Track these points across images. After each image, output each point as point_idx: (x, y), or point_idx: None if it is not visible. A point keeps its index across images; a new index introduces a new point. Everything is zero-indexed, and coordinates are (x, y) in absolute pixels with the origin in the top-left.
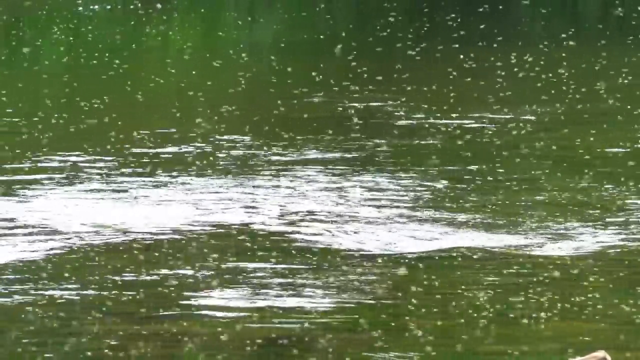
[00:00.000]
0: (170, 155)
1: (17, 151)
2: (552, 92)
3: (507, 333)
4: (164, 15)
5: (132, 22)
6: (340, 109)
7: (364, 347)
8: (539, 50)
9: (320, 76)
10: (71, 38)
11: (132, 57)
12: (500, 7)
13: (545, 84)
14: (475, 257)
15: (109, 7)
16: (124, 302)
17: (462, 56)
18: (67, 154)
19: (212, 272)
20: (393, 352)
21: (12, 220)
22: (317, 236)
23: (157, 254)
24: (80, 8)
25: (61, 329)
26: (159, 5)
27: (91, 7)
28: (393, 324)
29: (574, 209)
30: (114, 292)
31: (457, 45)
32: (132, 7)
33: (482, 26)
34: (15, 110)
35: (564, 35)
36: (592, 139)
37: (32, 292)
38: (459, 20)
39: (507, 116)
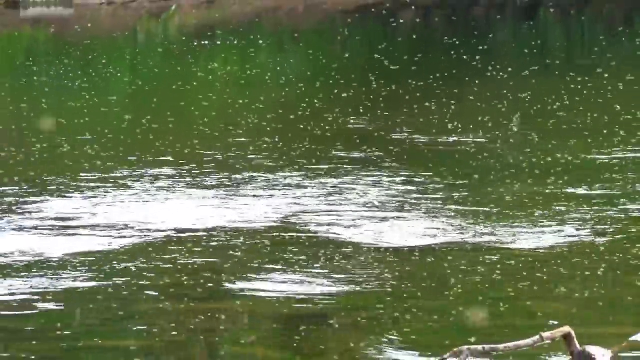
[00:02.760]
0: (223, 164)
1: (94, 161)
2: (525, 112)
3: (491, 311)
4: (211, 51)
5: (188, 56)
6: (363, 127)
7: (374, 321)
8: (517, 79)
9: (344, 100)
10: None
11: (186, 85)
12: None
13: (519, 107)
14: (466, 249)
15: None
16: (181, 285)
17: (458, 86)
18: (137, 163)
19: (255, 261)
20: (397, 326)
21: (92, 217)
22: (340, 232)
23: (211, 246)
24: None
25: (126, 307)
26: (206, 42)
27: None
28: (398, 303)
29: (551, 208)
30: (173, 276)
31: (454, 76)
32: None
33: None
34: (90, 125)
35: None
36: (568, 148)
37: (102, 277)
38: (454, 55)
39: (496, 132)
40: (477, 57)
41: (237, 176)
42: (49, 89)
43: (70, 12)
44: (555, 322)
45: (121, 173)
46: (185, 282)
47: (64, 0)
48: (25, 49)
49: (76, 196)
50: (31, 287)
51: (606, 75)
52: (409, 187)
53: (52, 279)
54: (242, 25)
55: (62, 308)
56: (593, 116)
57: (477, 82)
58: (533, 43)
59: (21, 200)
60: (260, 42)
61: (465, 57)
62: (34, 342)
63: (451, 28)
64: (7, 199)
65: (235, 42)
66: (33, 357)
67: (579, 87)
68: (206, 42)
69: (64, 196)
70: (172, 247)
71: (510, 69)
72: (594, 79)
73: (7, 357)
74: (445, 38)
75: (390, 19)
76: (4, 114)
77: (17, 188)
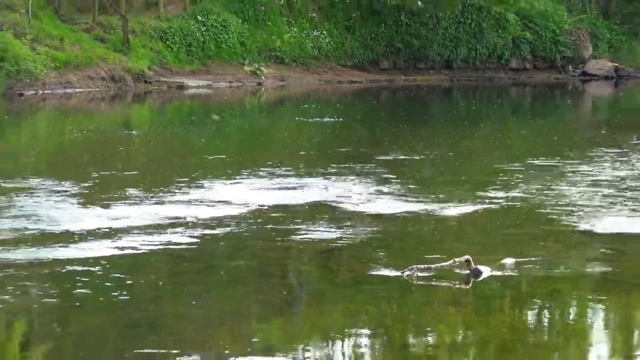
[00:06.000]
0: (292, 168)
1: (226, 167)
2: (450, 143)
3: (430, 247)
4: (282, 110)
5: (271, 114)
6: (364, 150)
7: (371, 253)
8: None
9: (354, 136)
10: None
11: (271, 128)
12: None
13: (446, 140)
14: (419, 215)
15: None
16: (264, 232)
17: (412, 129)
18: (246, 168)
19: (307, 220)
20: (382, 254)
21: (217, 200)
22: (353, 206)
23: (283, 212)
24: (275, 107)
25: (237, 244)
26: (280, 106)
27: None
28: (382, 244)
29: (470, 193)
30: (260, 228)
31: (409, 123)
32: (271, 107)
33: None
34: (224, 148)
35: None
36: (478, 160)
37: (225, 229)
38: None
39: (434, 153)
40: (420, 114)
41: (298, 174)
42: (201, 132)
43: (211, 91)
44: (462, 253)
45: (240, 173)
46: (267, 231)
47: (206, 85)
48: (187, 111)
49: (216, 185)
50: (190, 234)
51: (492, 124)
52: (389, 182)
53: (199, 230)
54: (300, 98)
55: (203, 246)
56: (489, 144)
57: (421, 126)
58: (451, 108)
59: (186, 186)
60: (310, 106)
61: (414, 114)
62: (187, 263)
63: (408, 100)
64: (182, 186)
65: (296, 105)
66: (186, 270)
67: (478, 129)
68: (280, 106)
69: (210, 186)
70: (261, 213)
71: (438, 121)
72: (485, 125)
73: (173, 269)
74: (404, 106)
75: (378, 96)
76: (179, 146)
77: (186, 178)
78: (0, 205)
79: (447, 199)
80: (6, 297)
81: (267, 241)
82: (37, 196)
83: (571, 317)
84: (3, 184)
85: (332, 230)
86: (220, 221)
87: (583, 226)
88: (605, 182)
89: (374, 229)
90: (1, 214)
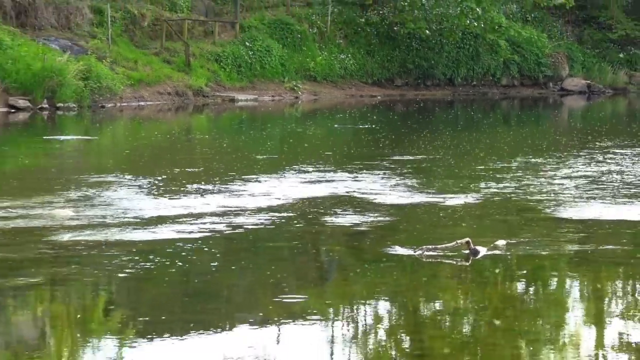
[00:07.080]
0: (317, 166)
1: (268, 167)
2: (449, 146)
3: (435, 232)
4: (316, 118)
5: (305, 121)
6: (378, 150)
7: (386, 235)
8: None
9: (370, 139)
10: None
11: (305, 132)
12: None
13: (447, 144)
14: (425, 205)
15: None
16: (299, 219)
17: (417, 135)
18: (286, 166)
19: (333, 208)
20: (395, 236)
21: (262, 192)
22: (371, 197)
23: (313, 202)
24: (308, 116)
25: (277, 230)
26: (313, 115)
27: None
28: (395, 228)
29: (465, 186)
30: (295, 217)
31: (417, 129)
32: (306, 116)
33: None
34: (267, 149)
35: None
36: (472, 164)
37: (268, 216)
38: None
39: (436, 155)
40: (428, 122)
41: (329, 170)
42: (253, 136)
43: (257, 104)
44: (463, 236)
45: (282, 170)
46: (303, 217)
47: (253, 99)
48: (237, 120)
49: (263, 179)
50: (240, 220)
51: (486, 130)
52: (403, 177)
53: (247, 216)
54: (328, 109)
55: (250, 230)
56: (484, 146)
57: (428, 132)
58: (453, 118)
59: (238, 181)
60: (339, 115)
61: (423, 122)
62: (237, 244)
63: (417, 111)
64: (234, 180)
65: (326, 115)
66: (237, 250)
67: (475, 134)
68: (313, 115)
69: (256, 181)
70: (298, 203)
71: (442, 128)
72: (481, 131)
73: (225, 249)
74: (414, 116)
75: (392, 108)
76: (230, 148)
77: (238, 174)
78: (88, 195)
79: (450, 191)
80: (92, 270)
81: (303, 226)
82: (117, 189)
83: (552, 288)
84: (90, 179)
85: (357, 217)
86: (264, 209)
87: (562, 213)
88: (580, 177)
89: (391, 215)
90: (89, 202)
